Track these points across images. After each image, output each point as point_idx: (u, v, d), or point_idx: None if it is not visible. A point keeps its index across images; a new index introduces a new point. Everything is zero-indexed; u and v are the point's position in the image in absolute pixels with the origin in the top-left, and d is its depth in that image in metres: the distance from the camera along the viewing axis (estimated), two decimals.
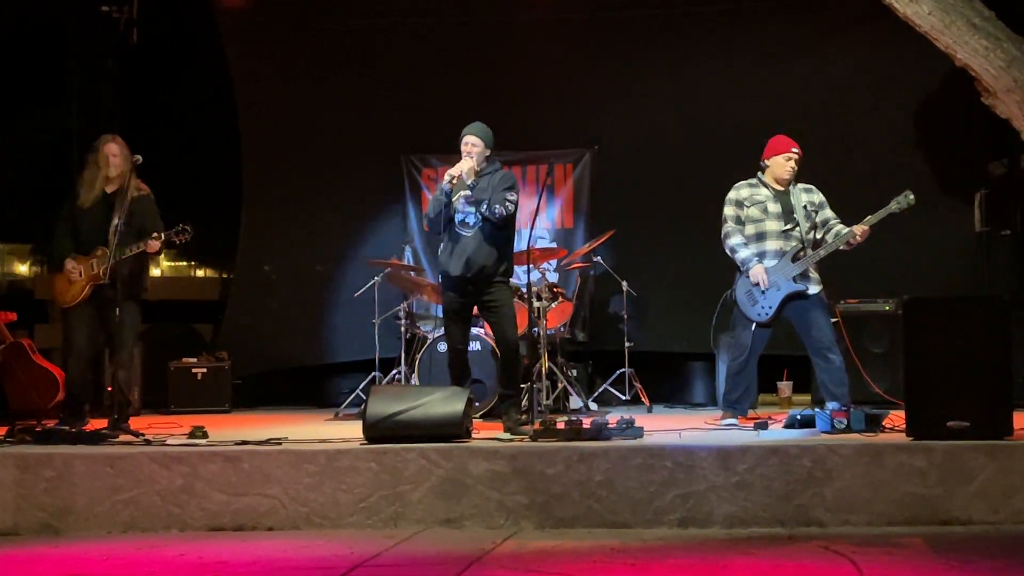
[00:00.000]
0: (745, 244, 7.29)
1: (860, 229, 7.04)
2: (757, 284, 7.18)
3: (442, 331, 7.89)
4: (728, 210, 7.40)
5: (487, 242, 7.01)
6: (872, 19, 8.66)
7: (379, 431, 6.12)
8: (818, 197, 7.34)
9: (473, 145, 7.09)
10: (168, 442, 6.37)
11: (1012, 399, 5.81)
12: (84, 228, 7.49)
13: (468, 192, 7.00)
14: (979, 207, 9.52)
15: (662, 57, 10.28)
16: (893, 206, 7.01)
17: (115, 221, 7.30)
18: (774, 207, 7.25)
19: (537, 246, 9.17)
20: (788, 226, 7.21)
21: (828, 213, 7.30)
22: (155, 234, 7.32)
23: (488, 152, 7.16)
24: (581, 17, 10.34)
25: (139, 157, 7.39)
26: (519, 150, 10.21)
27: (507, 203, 6.94)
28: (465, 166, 7.01)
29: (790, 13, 9.98)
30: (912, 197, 6.97)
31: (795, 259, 7.15)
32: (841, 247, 7.12)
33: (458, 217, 7.00)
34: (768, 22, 10.04)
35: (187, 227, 7.39)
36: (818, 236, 7.26)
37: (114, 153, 7.58)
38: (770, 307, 7.18)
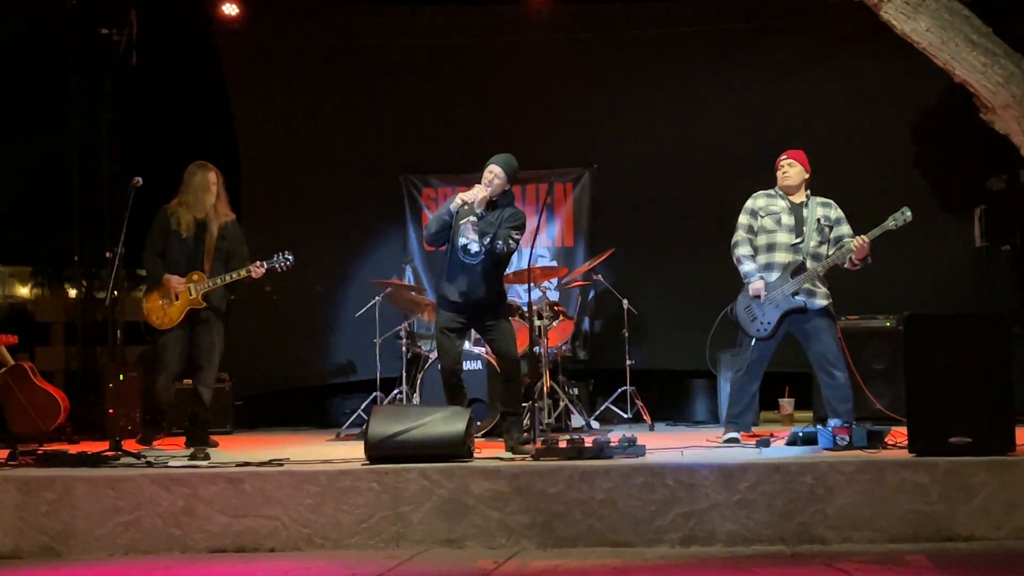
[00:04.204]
0: (752, 256, 7.27)
1: (858, 242, 6.96)
2: (757, 297, 7.18)
3: None
4: (742, 218, 7.38)
5: (486, 274, 6.96)
6: (870, 36, 8.66)
7: (381, 451, 6.11)
8: (835, 213, 7.26)
9: (495, 176, 7.03)
10: (169, 464, 6.36)
11: (1014, 415, 5.81)
12: (177, 252, 7.75)
13: (474, 219, 6.95)
14: (979, 223, 9.53)
15: (660, 77, 10.32)
16: (890, 223, 6.97)
17: (216, 244, 7.77)
18: (788, 219, 7.22)
19: (537, 265, 9.16)
20: (798, 240, 7.19)
21: (844, 230, 7.21)
22: (259, 262, 7.69)
23: (508, 187, 7.11)
24: (580, 37, 10.38)
25: (139, 179, 7.44)
26: (519, 169, 10.24)
27: (510, 240, 6.91)
28: (479, 194, 6.96)
29: (788, 32, 10.00)
30: (909, 214, 6.95)
31: (795, 274, 7.13)
32: (844, 264, 7.08)
33: (461, 242, 6.95)
34: (766, 42, 10.07)
35: (289, 255, 7.74)
36: (828, 252, 7.19)
37: (213, 182, 7.85)
38: (768, 323, 7.16)
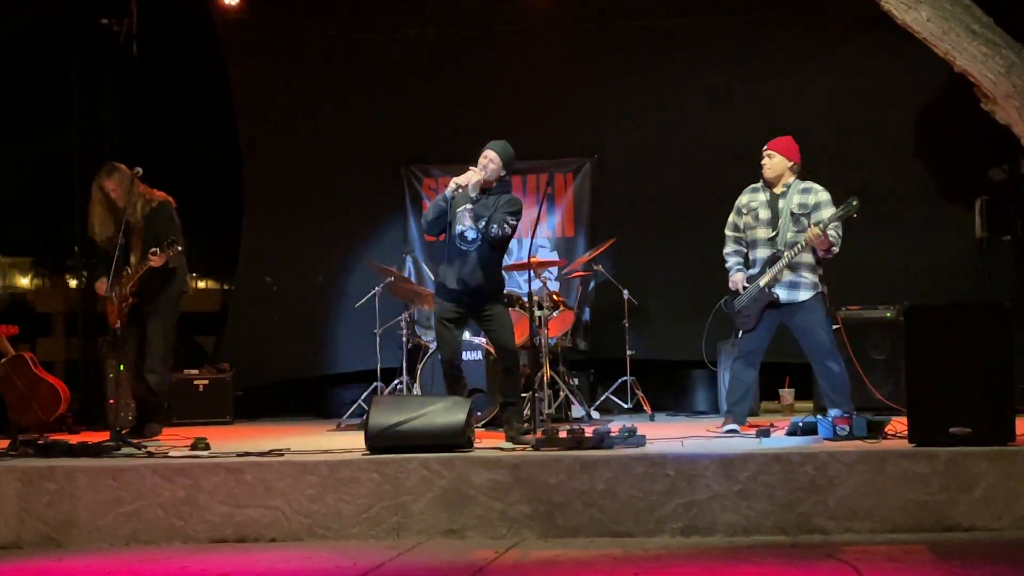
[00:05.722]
0: (735, 252, 7.42)
1: (812, 233, 6.97)
2: (738, 291, 7.24)
3: None
4: (730, 216, 7.50)
5: (484, 262, 6.96)
6: (871, 27, 8.66)
7: (381, 441, 6.12)
8: (815, 198, 7.18)
9: (490, 160, 7.04)
10: (170, 454, 6.37)
11: (1014, 405, 5.81)
12: (113, 253, 7.68)
13: (470, 205, 6.95)
14: (980, 213, 9.51)
15: (662, 67, 10.29)
16: (841, 210, 6.99)
17: (143, 236, 7.71)
18: (765, 214, 7.28)
19: (537, 255, 9.15)
20: (773, 233, 7.22)
21: (823, 215, 7.09)
22: (153, 250, 7.58)
23: (503, 173, 7.10)
24: (580, 27, 10.37)
25: (139, 169, 7.48)
26: (519, 159, 10.21)
27: (506, 225, 6.90)
28: (473, 178, 6.97)
29: (789, 23, 9.99)
30: (856, 203, 6.93)
31: (769, 265, 7.17)
32: (818, 251, 7.10)
33: (458, 229, 6.94)
34: (768, 33, 10.05)
35: (174, 239, 7.62)
36: None
37: (111, 188, 7.77)
38: (748, 315, 7.27)
